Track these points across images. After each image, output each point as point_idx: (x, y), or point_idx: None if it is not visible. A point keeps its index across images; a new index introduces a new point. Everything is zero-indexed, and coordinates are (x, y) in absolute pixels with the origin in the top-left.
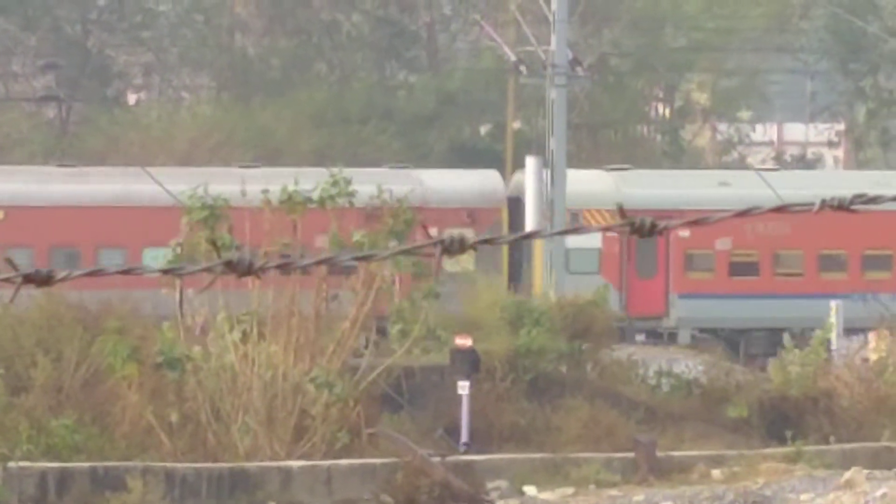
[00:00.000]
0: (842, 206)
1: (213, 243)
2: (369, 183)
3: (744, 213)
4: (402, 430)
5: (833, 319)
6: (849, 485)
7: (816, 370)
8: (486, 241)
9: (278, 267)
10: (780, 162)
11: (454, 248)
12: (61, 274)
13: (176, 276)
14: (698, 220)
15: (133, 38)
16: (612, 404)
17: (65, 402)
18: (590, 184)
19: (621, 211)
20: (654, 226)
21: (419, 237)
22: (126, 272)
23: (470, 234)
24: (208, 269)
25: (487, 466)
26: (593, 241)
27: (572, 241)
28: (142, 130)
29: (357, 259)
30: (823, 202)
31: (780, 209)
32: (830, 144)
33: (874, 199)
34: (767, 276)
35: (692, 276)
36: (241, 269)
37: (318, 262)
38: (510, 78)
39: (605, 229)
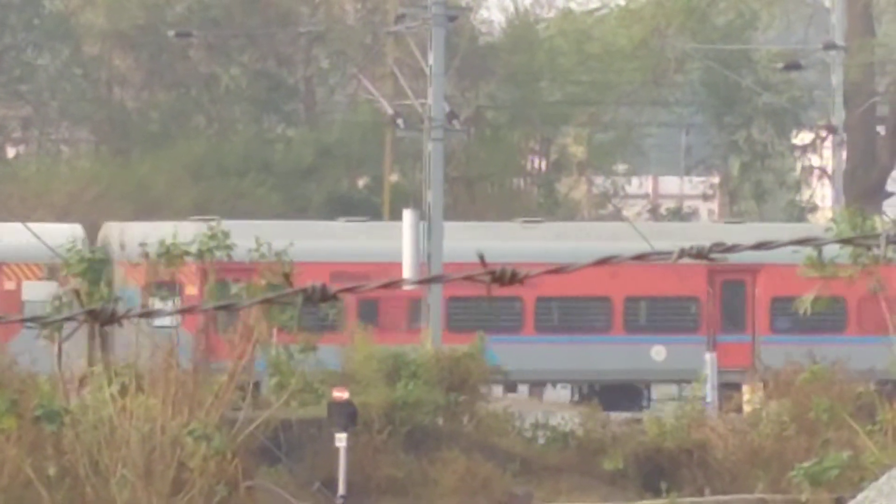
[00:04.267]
0: (700, 255)
1: (77, 294)
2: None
3: (603, 262)
4: (280, 483)
5: (707, 371)
6: None
7: (691, 422)
8: (348, 290)
9: (141, 315)
10: (656, 215)
11: (316, 296)
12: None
13: (46, 327)
14: (556, 270)
15: (11, 92)
16: (489, 457)
17: None
18: None
19: (482, 260)
20: (514, 275)
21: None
22: None
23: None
24: (71, 318)
25: None
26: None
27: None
28: (20, 184)
29: (218, 308)
30: (682, 251)
31: (641, 257)
32: (705, 197)
33: (731, 249)
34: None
35: None
36: (104, 317)
37: (179, 311)
38: (387, 131)
39: (467, 278)
